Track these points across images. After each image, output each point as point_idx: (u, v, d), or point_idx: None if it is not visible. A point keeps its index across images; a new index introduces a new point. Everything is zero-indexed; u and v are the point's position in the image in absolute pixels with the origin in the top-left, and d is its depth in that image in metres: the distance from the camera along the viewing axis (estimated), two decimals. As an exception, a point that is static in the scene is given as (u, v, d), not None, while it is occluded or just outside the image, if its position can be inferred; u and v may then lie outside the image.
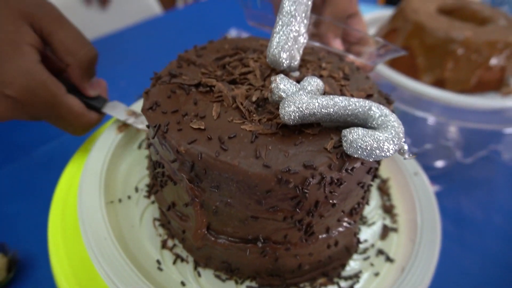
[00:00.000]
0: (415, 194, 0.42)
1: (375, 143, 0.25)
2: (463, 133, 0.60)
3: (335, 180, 0.26)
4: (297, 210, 0.27)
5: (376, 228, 0.41)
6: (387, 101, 0.33)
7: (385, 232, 0.40)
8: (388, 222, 0.42)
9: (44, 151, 0.61)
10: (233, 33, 0.97)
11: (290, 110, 0.25)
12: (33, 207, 0.51)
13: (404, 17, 0.60)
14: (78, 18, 1.28)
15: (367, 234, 0.40)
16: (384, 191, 0.45)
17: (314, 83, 0.28)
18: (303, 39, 0.31)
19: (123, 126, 0.41)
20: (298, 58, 0.31)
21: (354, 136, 0.25)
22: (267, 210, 0.27)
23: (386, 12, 0.76)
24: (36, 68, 0.33)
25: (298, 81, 0.32)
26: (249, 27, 1.05)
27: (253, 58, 0.34)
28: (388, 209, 0.43)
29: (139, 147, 0.42)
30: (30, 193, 0.54)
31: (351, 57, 0.44)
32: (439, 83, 0.57)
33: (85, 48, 0.37)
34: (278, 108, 0.29)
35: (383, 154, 0.25)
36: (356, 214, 0.33)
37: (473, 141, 0.59)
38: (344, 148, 0.25)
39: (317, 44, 0.41)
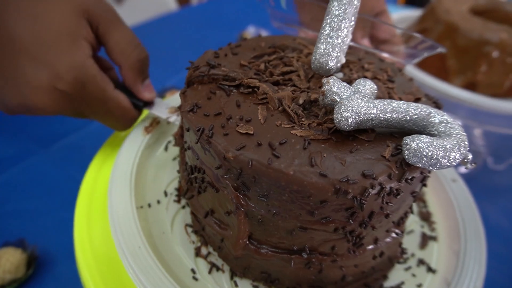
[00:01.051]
0: (454, 202, 0.40)
1: (441, 152, 0.23)
2: (493, 139, 0.58)
3: (394, 191, 0.24)
4: (350, 221, 0.25)
5: (415, 236, 0.39)
6: (436, 105, 0.32)
7: (425, 240, 0.38)
8: (426, 230, 0.40)
9: (63, 145, 0.60)
10: (251, 30, 0.95)
11: (347, 116, 0.24)
12: (52, 202, 0.50)
13: (435, 17, 0.58)
14: None
15: (406, 243, 0.38)
16: (419, 197, 0.43)
17: (368, 85, 0.26)
18: (348, 40, 0.29)
19: (150, 126, 0.39)
20: (343, 60, 0.29)
21: (419, 145, 0.23)
22: (319, 221, 0.25)
23: (411, 13, 0.75)
24: (88, 63, 0.33)
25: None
26: (267, 25, 1.03)
27: (293, 57, 0.32)
28: (425, 217, 0.41)
29: (166, 148, 0.40)
30: (49, 188, 0.53)
31: (383, 55, 0.42)
32: (471, 86, 0.55)
33: (137, 49, 0.37)
34: (326, 112, 0.27)
35: (448, 164, 0.23)
36: (403, 224, 0.31)
37: (503, 147, 0.57)
38: (406, 157, 0.24)
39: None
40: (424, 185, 0.31)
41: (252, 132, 0.25)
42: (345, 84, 0.25)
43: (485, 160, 0.54)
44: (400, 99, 0.30)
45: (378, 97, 0.29)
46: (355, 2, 0.27)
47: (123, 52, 0.36)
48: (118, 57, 0.36)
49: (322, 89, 0.25)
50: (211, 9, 1.13)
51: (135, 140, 0.37)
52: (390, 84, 0.31)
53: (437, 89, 0.54)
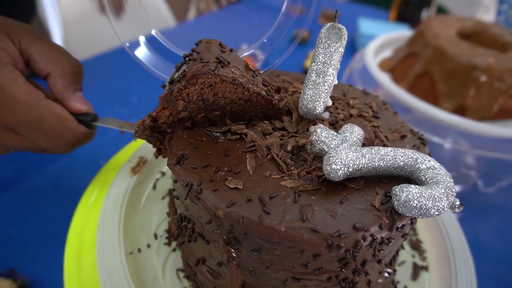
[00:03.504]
0: (442, 228, 0.40)
1: (430, 202, 0.23)
2: (482, 162, 0.59)
3: (385, 240, 0.24)
4: (343, 270, 0.25)
5: (406, 267, 0.39)
6: (421, 142, 0.32)
7: (416, 271, 0.38)
8: (417, 259, 0.40)
9: (56, 168, 0.59)
10: (244, 47, 0.95)
11: (337, 168, 0.24)
12: (42, 229, 0.50)
13: (424, 41, 0.59)
14: (94, 27, 1.28)
15: (398, 275, 0.38)
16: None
17: (355, 132, 0.26)
18: (333, 83, 0.29)
19: (137, 167, 0.38)
20: (330, 103, 0.29)
21: (409, 196, 0.23)
22: (312, 272, 0.25)
23: (402, 34, 0.75)
24: (6, 69, 0.31)
25: (330, 123, 0.30)
26: (258, 47, 1.03)
27: (279, 97, 0.32)
28: (416, 245, 0.41)
29: (154, 187, 0.40)
30: (40, 215, 0.52)
31: None
32: (460, 110, 0.56)
33: (67, 57, 0.34)
34: (314, 157, 0.27)
35: (437, 212, 0.23)
36: (394, 262, 0.31)
37: (494, 170, 0.58)
38: (395, 207, 0.24)
39: None
40: (413, 223, 0.31)
41: (241, 187, 0.24)
42: (332, 132, 0.25)
43: (475, 183, 0.54)
44: (387, 138, 0.30)
45: (365, 138, 0.29)
46: (341, 50, 0.27)
47: (50, 60, 0.33)
48: (45, 66, 0.33)
49: (310, 138, 0.25)
50: (204, 26, 1.13)
51: (122, 182, 0.37)
52: (375, 122, 0.31)
53: (427, 113, 0.54)
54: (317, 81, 0.27)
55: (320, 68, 0.27)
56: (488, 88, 0.54)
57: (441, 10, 1.53)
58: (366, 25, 1.08)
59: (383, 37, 0.72)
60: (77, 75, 0.35)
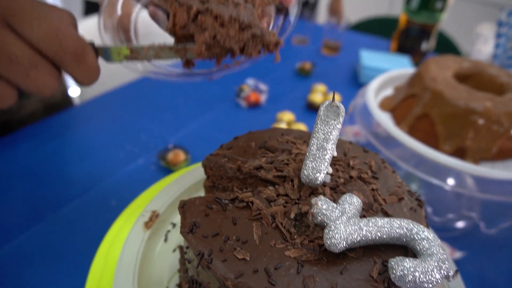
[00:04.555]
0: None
1: (424, 276, 0.25)
2: (484, 203, 0.60)
3: (383, 310, 0.26)
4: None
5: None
6: (418, 204, 0.33)
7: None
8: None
9: (69, 209, 0.62)
10: (250, 82, 0.99)
11: (337, 242, 0.25)
12: (57, 274, 0.51)
13: (422, 84, 0.61)
14: (105, 63, 1.30)
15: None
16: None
17: (354, 203, 0.28)
18: (333, 153, 0.31)
19: (150, 221, 0.40)
20: (330, 170, 0.32)
21: (404, 271, 0.25)
22: None
23: (402, 72, 0.78)
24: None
25: (331, 187, 0.32)
26: (265, 76, 1.06)
27: (283, 161, 0.34)
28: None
29: (166, 239, 0.42)
30: (54, 259, 0.54)
31: None
32: (460, 152, 0.57)
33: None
34: (316, 225, 0.29)
35: (431, 285, 0.25)
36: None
37: (496, 212, 0.59)
38: (392, 279, 0.25)
39: None
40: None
41: (248, 258, 0.26)
42: (332, 205, 0.27)
43: (477, 224, 0.55)
44: (385, 201, 0.32)
45: (364, 203, 0.31)
46: (338, 126, 0.29)
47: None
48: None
49: (312, 210, 0.27)
50: (208, 62, 1.17)
51: (136, 238, 0.38)
52: (374, 184, 0.33)
53: (426, 156, 0.56)
54: (318, 155, 0.29)
55: (320, 143, 0.29)
56: (487, 131, 0.55)
57: (442, 38, 1.56)
58: (367, 57, 1.11)
59: (384, 76, 0.75)
60: None
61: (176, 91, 0.99)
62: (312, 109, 0.94)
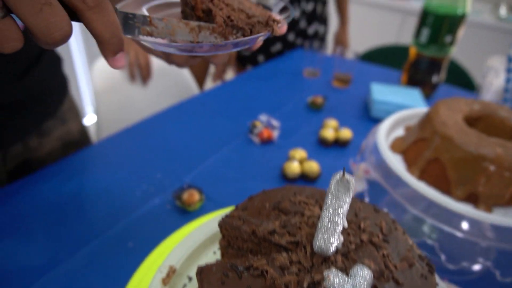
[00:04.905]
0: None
1: None
2: (499, 251, 0.59)
3: None
4: None
5: None
6: (429, 270, 0.34)
7: None
8: None
9: (87, 251, 0.63)
10: (263, 118, 1.01)
11: (348, 319, 0.26)
12: None
13: (432, 128, 0.62)
14: (123, 95, 1.37)
15: None
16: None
17: (364, 277, 0.29)
18: (342, 225, 0.32)
19: (167, 277, 0.42)
20: (342, 239, 0.33)
21: None
22: None
23: (413, 112, 0.79)
24: None
25: (342, 254, 0.33)
26: (277, 111, 1.08)
27: (296, 224, 0.35)
28: None
29: (183, 291, 0.43)
30: None
31: None
32: (472, 197, 0.57)
33: None
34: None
35: None
36: None
37: (509, 261, 0.58)
38: None
39: None
40: None
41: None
42: (344, 278, 0.28)
43: (493, 273, 0.55)
44: (396, 267, 0.33)
45: (375, 270, 0.32)
46: (348, 201, 0.31)
47: None
48: None
49: (324, 283, 0.28)
50: (222, 96, 1.20)
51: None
52: (385, 249, 0.34)
53: (438, 202, 0.56)
54: (329, 227, 0.30)
55: (331, 217, 0.30)
56: (499, 178, 0.56)
57: (453, 67, 1.57)
58: (378, 90, 1.12)
59: (395, 116, 0.76)
60: None
61: (190, 126, 1.02)
62: (324, 145, 0.95)
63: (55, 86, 0.82)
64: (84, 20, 0.28)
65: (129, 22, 0.33)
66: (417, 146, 0.64)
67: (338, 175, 0.32)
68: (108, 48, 0.30)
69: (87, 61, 2.51)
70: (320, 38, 1.71)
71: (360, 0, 2.68)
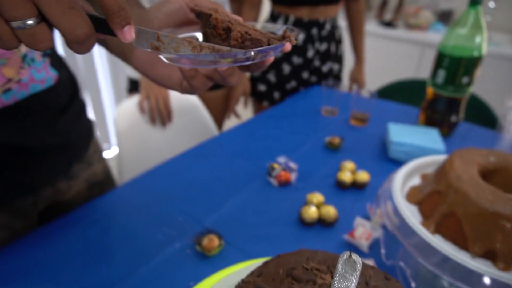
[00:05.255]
0: None
1: None
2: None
3: None
4: None
5: None
6: None
7: None
8: None
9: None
10: (281, 160, 1.03)
11: None
12: None
13: (447, 182, 0.63)
14: (143, 137, 1.42)
15: None
16: None
17: None
18: None
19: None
20: None
21: None
22: None
23: (429, 159, 0.79)
24: None
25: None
26: (295, 151, 1.10)
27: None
28: None
29: None
30: None
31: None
32: (491, 253, 0.57)
33: None
34: None
35: None
36: None
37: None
38: None
39: None
40: None
41: None
42: None
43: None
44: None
45: None
46: (355, 281, 0.32)
47: None
48: None
49: None
50: (241, 136, 1.23)
51: None
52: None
53: (455, 260, 0.56)
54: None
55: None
56: (515, 235, 0.56)
57: (474, 101, 1.56)
58: (395, 131, 1.13)
59: (411, 164, 0.77)
60: None
61: (210, 168, 1.05)
62: (342, 187, 0.96)
63: (81, 132, 0.87)
64: None
65: (140, 36, 0.37)
66: (433, 198, 0.65)
67: (345, 255, 0.33)
68: (116, 21, 0.33)
69: (115, 103, 2.64)
70: (335, 76, 1.74)
71: (376, 32, 2.71)
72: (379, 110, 1.40)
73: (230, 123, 1.70)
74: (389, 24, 2.72)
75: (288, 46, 0.44)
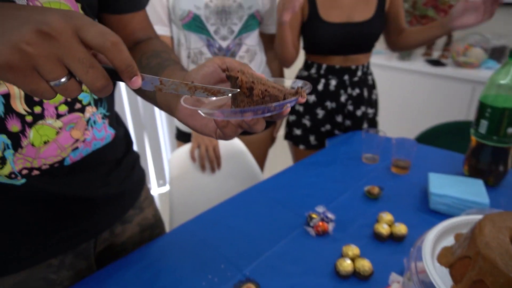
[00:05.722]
0: None
1: None
2: None
3: None
4: None
5: None
6: None
7: None
8: None
9: None
10: (319, 209, 1.07)
11: None
12: None
13: (476, 248, 0.64)
14: (194, 182, 1.54)
15: None
16: None
17: None
18: None
19: None
20: None
21: None
22: None
23: (464, 219, 0.80)
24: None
25: None
26: (334, 200, 1.14)
27: None
28: None
29: None
30: None
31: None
32: (522, 324, 0.57)
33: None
34: None
35: None
36: None
37: None
38: None
39: None
40: None
41: None
42: None
43: None
44: None
45: None
46: None
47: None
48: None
49: None
50: (282, 184, 1.29)
51: None
52: None
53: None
54: None
55: None
56: (546, 308, 0.55)
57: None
58: (436, 181, 1.13)
59: (444, 224, 0.78)
60: None
61: (252, 215, 1.12)
62: (379, 239, 0.98)
63: (135, 181, 0.99)
64: (108, 58, 0.40)
65: (147, 80, 0.46)
66: (463, 262, 0.66)
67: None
68: (125, 75, 0.42)
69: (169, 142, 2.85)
70: (370, 119, 1.76)
71: (424, 71, 2.68)
72: (422, 157, 1.39)
73: (271, 164, 1.76)
74: (437, 62, 2.68)
75: (301, 100, 0.53)
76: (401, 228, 0.98)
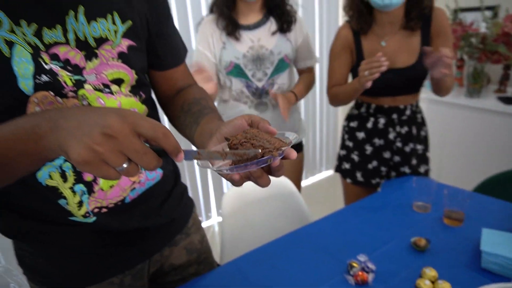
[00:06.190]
0: None
1: None
2: None
3: None
4: None
5: None
6: None
7: None
8: None
9: None
10: (361, 258, 1.09)
11: None
12: None
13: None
14: (244, 219, 1.61)
15: None
16: None
17: None
18: None
19: None
20: None
21: None
22: None
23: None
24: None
25: None
26: (378, 249, 1.15)
27: None
28: None
29: None
30: None
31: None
32: None
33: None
34: None
35: None
36: None
37: None
38: None
39: None
40: None
41: None
42: None
43: None
44: None
45: None
46: None
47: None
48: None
49: None
50: (328, 228, 1.32)
51: None
52: None
53: None
54: None
55: None
56: None
57: None
58: (490, 239, 1.08)
59: (492, 286, 0.77)
60: None
61: (294, 259, 1.17)
62: (419, 296, 0.97)
63: (183, 210, 1.11)
64: (160, 145, 0.51)
65: (187, 153, 0.55)
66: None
67: None
68: (172, 153, 0.52)
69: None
70: (419, 155, 1.73)
71: (495, 110, 2.52)
72: (477, 207, 1.33)
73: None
74: (511, 100, 2.51)
75: (292, 155, 0.59)
76: (444, 286, 0.96)
